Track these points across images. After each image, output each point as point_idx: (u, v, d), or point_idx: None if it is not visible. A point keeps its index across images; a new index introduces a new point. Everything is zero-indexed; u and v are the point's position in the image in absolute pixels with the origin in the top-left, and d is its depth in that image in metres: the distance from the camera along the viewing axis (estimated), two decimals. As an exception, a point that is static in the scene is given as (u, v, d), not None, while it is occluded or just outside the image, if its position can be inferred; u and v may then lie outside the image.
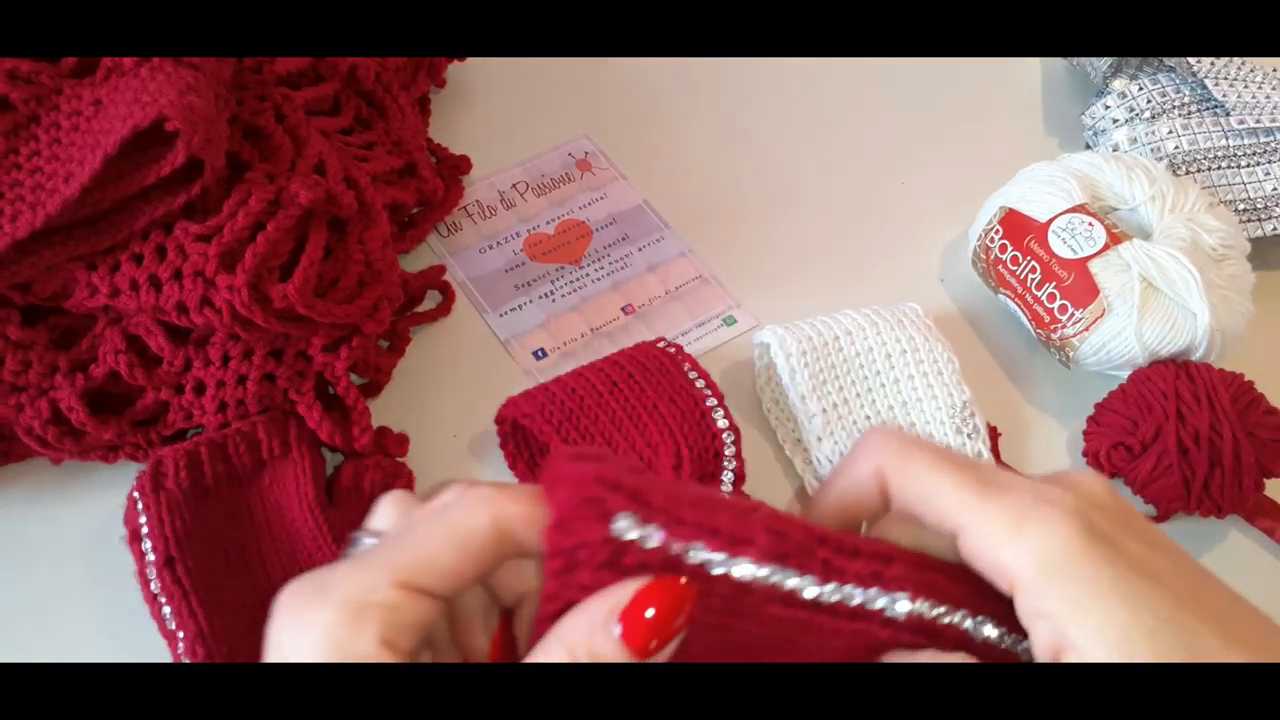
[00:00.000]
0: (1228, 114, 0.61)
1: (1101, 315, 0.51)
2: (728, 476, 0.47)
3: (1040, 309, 0.53)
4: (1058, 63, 0.72)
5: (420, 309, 0.56)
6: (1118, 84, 0.64)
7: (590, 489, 0.25)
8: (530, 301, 0.58)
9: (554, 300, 0.58)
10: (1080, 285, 0.51)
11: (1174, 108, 0.62)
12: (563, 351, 0.56)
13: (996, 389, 0.56)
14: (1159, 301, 0.51)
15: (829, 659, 0.27)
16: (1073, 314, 0.52)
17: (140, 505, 0.44)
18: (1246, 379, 0.51)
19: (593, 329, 0.57)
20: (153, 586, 0.43)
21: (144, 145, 0.43)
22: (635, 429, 0.47)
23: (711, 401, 0.48)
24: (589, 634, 0.25)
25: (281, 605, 0.26)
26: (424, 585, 0.26)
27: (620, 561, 0.25)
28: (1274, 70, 0.63)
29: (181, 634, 0.42)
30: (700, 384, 0.49)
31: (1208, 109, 0.62)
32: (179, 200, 0.44)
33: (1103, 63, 0.65)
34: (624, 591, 0.25)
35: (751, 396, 0.55)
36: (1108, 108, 0.63)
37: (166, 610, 0.43)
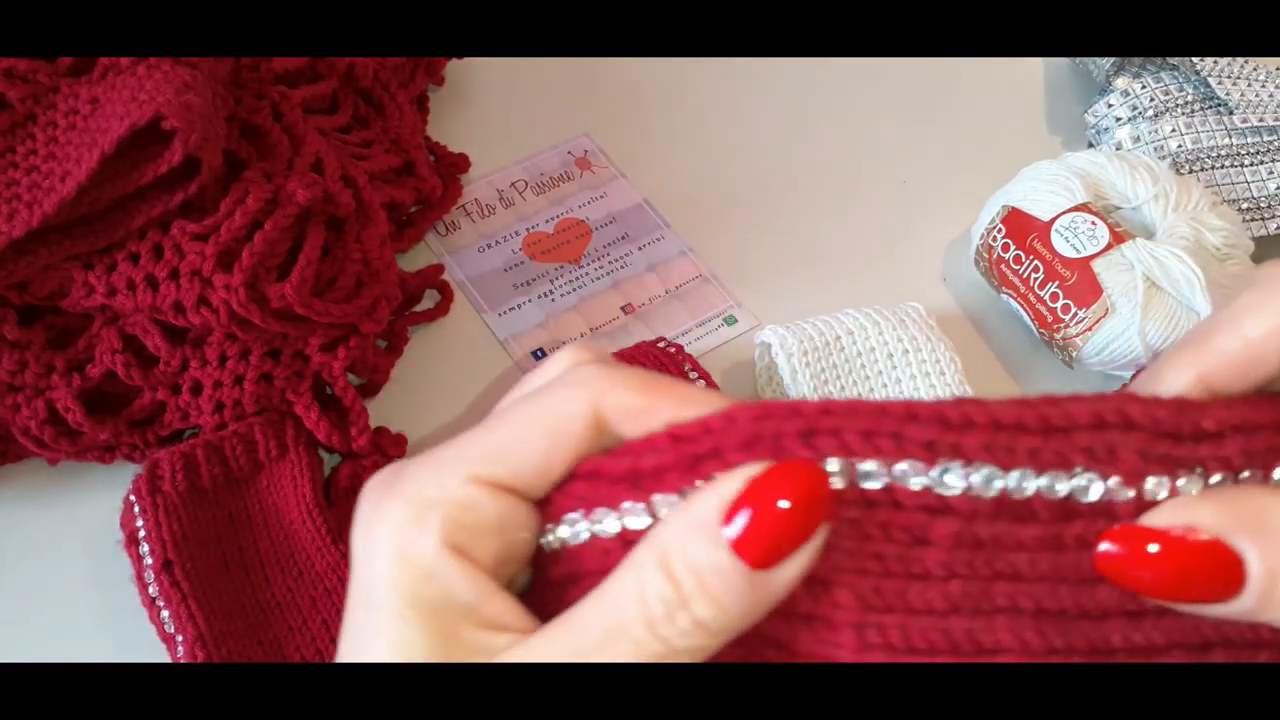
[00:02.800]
0: (1231, 112, 0.61)
1: (1105, 315, 0.51)
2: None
3: (1043, 308, 0.53)
4: (1060, 61, 0.72)
5: (418, 308, 0.56)
6: (1120, 82, 0.64)
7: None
8: (529, 301, 0.58)
9: (553, 300, 0.58)
10: (1083, 284, 0.51)
11: (1177, 106, 0.61)
12: (562, 351, 0.56)
13: (999, 389, 0.56)
14: (1162, 301, 0.50)
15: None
16: (1076, 313, 0.52)
17: (137, 509, 0.44)
18: (1250, 379, 0.50)
19: (592, 329, 0.57)
20: (151, 590, 0.43)
21: (141, 144, 0.42)
22: (635, 429, 0.47)
23: (712, 402, 0.48)
24: (685, 540, 0.19)
25: (363, 496, 0.22)
26: (504, 480, 0.22)
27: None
28: (1278, 69, 0.63)
29: (180, 638, 0.42)
30: (701, 384, 0.49)
31: (1211, 107, 0.61)
32: (176, 199, 0.44)
33: (1105, 61, 0.64)
34: (732, 482, 0.19)
35: (752, 397, 0.54)
36: (1110, 106, 0.63)
37: (165, 614, 0.42)
